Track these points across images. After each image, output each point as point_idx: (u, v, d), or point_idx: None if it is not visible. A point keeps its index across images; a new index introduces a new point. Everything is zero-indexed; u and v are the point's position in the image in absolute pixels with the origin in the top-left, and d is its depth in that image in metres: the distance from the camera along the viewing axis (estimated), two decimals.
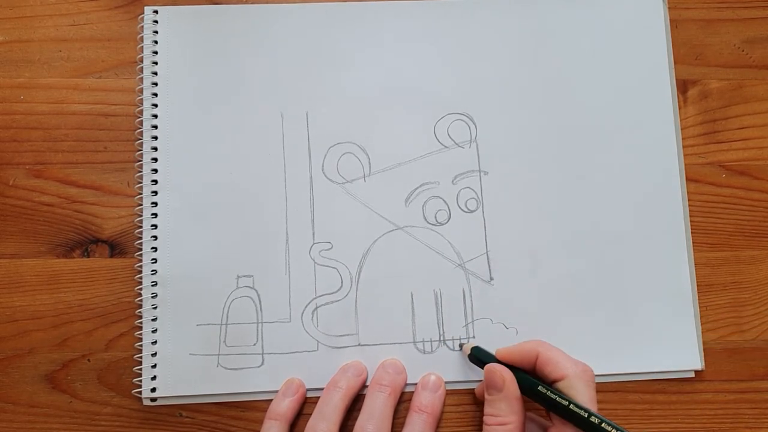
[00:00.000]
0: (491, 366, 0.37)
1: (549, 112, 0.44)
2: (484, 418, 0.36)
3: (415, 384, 0.40)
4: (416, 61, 0.44)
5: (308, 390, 0.40)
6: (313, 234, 0.42)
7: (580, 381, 0.35)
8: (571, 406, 0.34)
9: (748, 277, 0.43)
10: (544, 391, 0.35)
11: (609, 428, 0.32)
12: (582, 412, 0.33)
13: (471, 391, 0.41)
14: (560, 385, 0.35)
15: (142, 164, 0.42)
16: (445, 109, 0.43)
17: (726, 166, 0.44)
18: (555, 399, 0.34)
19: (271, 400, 0.39)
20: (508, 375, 0.36)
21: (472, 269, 0.42)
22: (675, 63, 0.45)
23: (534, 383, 0.36)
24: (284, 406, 0.39)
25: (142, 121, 0.42)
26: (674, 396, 0.42)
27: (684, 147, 0.44)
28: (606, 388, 0.41)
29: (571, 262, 0.42)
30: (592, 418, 0.33)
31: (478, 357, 0.39)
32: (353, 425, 0.38)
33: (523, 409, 0.36)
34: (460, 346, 0.41)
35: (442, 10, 0.44)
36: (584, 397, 0.34)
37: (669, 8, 0.45)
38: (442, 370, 0.41)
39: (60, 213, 0.42)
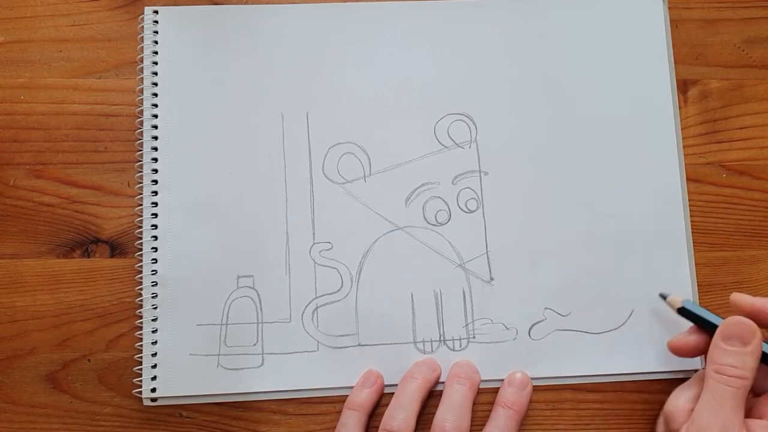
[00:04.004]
0: (741, 319, 0.35)
1: (549, 112, 0.44)
2: (718, 366, 0.34)
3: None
4: (416, 61, 0.44)
5: (308, 390, 0.40)
6: (313, 234, 0.42)
7: None
8: None
9: (748, 277, 0.43)
10: None
11: None
12: None
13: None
14: None
15: (142, 164, 0.42)
16: (445, 109, 0.43)
17: (726, 165, 0.44)
18: None
19: (271, 400, 0.40)
20: (758, 333, 0.34)
21: (472, 269, 0.42)
22: (675, 63, 0.45)
23: None
24: (363, 397, 0.39)
25: (142, 121, 0.42)
26: None
27: (684, 147, 0.44)
28: (606, 388, 0.41)
29: (571, 262, 0.42)
30: None
31: (693, 312, 0.37)
32: (428, 420, 0.37)
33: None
34: (663, 297, 0.40)
35: (442, 10, 0.44)
36: None
37: (669, 8, 0.45)
38: (443, 370, 0.41)
39: (60, 213, 0.42)
